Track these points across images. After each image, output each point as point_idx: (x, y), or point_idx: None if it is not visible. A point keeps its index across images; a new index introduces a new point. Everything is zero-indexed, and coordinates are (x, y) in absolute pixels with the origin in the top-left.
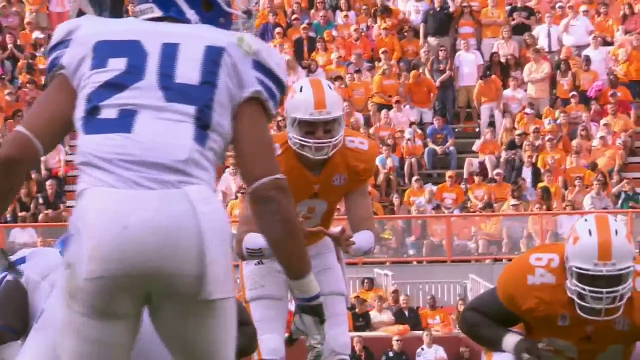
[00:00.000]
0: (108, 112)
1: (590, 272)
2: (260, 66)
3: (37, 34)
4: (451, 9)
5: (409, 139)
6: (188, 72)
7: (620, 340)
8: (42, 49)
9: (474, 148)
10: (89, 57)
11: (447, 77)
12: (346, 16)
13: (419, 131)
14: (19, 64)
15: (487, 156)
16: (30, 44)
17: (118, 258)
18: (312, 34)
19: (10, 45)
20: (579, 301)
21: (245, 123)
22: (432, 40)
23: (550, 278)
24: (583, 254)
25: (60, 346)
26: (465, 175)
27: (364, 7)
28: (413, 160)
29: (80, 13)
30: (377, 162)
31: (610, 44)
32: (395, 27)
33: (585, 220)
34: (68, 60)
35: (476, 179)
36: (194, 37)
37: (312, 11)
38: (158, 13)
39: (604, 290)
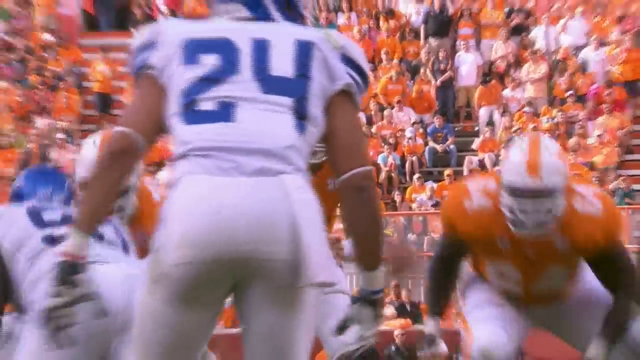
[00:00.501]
0: (207, 105)
1: (518, 186)
2: (348, 60)
3: (46, 36)
4: (451, 11)
5: (410, 138)
6: (282, 65)
7: (561, 260)
8: (50, 51)
9: (474, 146)
10: (177, 55)
11: (447, 77)
12: (348, 18)
13: (420, 130)
14: (30, 65)
15: (487, 154)
16: (40, 46)
17: (208, 243)
18: None
19: (20, 47)
20: (510, 216)
21: (338, 115)
22: (432, 41)
23: (486, 202)
24: (513, 169)
25: (138, 332)
26: (465, 173)
27: (365, 9)
28: (414, 158)
29: (86, 14)
30: (379, 160)
31: (607, 44)
32: (398, 29)
33: (521, 139)
34: (156, 60)
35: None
36: (282, 34)
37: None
38: (246, 13)
39: (531, 204)
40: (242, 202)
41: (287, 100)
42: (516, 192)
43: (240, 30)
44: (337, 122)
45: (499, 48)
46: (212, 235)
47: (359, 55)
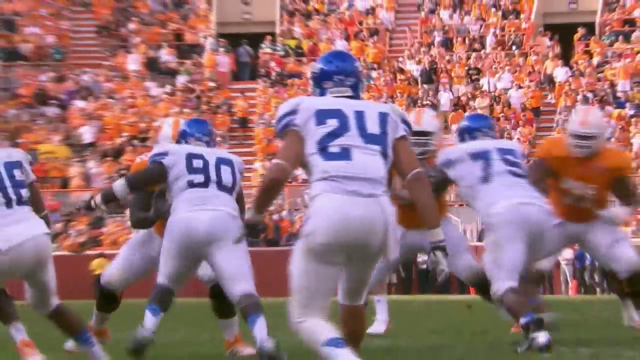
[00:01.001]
0: (333, 149)
1: (575, 131)
2: (404, 121)
3: (210, 84)
4: (436, 68)
5: None
6: (373, 126)
7: (598, 178)
8: (213, 92)
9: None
10: (312, 118)
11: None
12: (378, 73)
13: None
14: (202, 100)
15: None
16: (208, 89)
17: (340, 235)
18: None
19: (196, 90)
20: (573, 146)
21: (401, 148)
22: (425, 86)
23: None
24: (572, 122)
25: (297, 282)
26: None
27: (387, 68)
28: None
29: (232, 71)
30: None
31: (522, 87)
32: (406, 79)
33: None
34: (299, 121)
35: None
36: (369, 107)
37: None
38: (349, 93)
39: (584, 141)
40: (360, 213)
41: (378, 148)
42: (575, 136)
43: (347, 105)
44: (400, 152)
45: (462, 89)
46: (342, 231)
47: (407, 118)
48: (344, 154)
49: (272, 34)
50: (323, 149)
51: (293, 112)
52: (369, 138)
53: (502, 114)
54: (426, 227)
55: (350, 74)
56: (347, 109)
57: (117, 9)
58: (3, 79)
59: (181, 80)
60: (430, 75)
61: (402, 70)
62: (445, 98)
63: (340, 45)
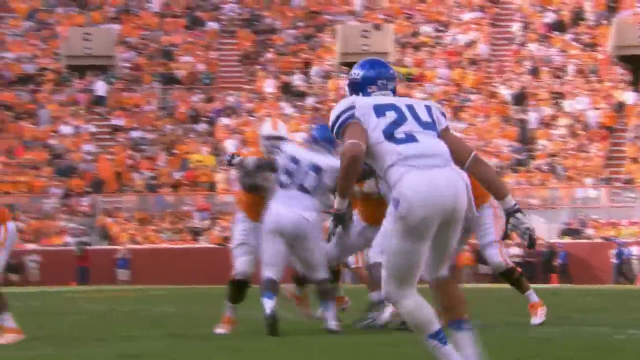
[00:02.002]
0: (400, 135)
1: None
2: (442, 113)
3: None
4: (525, 92)
5: None
6: (424, 116)
7: None
8: None
9: None
10: (371, 112)
11: None
12: (476, 97)
13: None
14: None
15: None
16: None
17: (436, 205)
18: None
19: None
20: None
21: (450, 135)
22: (516, 107)
23: None
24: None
25: (396, 265)
26: None
27: (484, 92)
28: None
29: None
30: None
31: (598, 109)
32: (500, 102)
33: None
34: (358, 114)
35: None
36: (416, 102)
37: None
38: (389, 94)
39: None
40: (445, 182)
41: (434, 132)
42: None
43: (397, 100)
44: (450, 137)
45: (546, 111)
46: (435, 201)
47: (443, 110)
48: (411, 138)
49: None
50: (390, 136)
51: (351, 107)
52: (424, 125)
53: (581, 132)
54: (497, 198)
55: (390, 79)
56: (399, 103)
57: (257, 40)
58: (162, 100)
59: (309, 101)
60: (520, 98)
61: (496, 94)
62: (532, 118)
63: (444, 73)
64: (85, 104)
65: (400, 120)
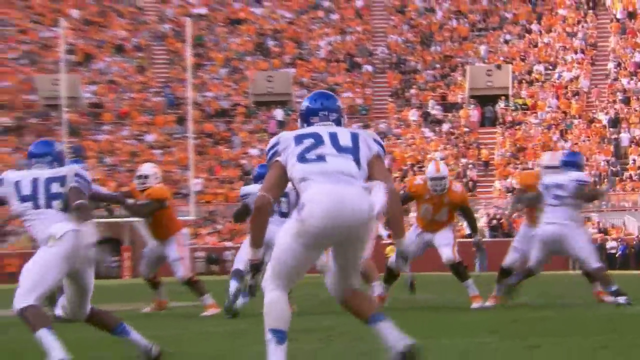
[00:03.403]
0: (311, 157)
1: (433, 176)
2: (376, 141)
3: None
4: (619, 117)
5: None
6: (345, 142)
7: (446, 205)
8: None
9: None
10: (292, 142)
11: None
12: (578, 122)
13: None
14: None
15: None
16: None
17: (335, 217)
18: None
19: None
20: (430, 188)
21: (376, 164)
22: (611, 129)
23: (421, 182)
24: (429, 170)
25: (280, 259)
26: None
27: (585, 118)
28: None
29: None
30: None
31: None
32: (599, 126)
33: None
34: (281, 148)
35: None
36: (342, 130)
37: None
38: (330, 124)
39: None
40: (350, 198)
41: (351, 156)
42: (434, 179)
43: (323, 128)
44: (375, 167)
45: (637, 132)
46: (336, 214)
47: (378, 139)
48: (320, 159)
49: (506, 96)
50: (302, 158)
51: (276, 143)
52: (341, 149)
53: None
54: (394, 237)
55: (333, 110)
56: (323, 131)
57: (403, 79)
58: None
59: (445, 127)
60: (615, 123)
61: (595, 120)
62: (625, 138)
63: (552, 103)
64: (269, 131)
65: (316, 145)
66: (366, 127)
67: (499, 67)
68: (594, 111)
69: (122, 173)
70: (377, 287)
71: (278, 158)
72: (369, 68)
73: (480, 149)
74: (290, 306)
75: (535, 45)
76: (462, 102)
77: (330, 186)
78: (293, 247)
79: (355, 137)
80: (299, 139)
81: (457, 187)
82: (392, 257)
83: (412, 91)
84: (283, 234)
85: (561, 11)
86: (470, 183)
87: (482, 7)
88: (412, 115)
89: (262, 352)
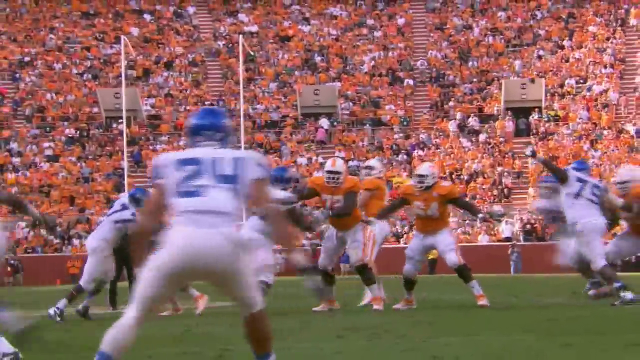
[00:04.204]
0: (188, 189)
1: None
2: (260, 165)
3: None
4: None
5: None
6: (226, 169)
7: (436, 199)
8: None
9: None
10: (172, 167)
11: None
12: (607, 132)
13: None
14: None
15: None
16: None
17: (187, 261)
18: None
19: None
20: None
21: (257, 189)
22: (638, 139)
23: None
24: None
25: (140, 284)
26: None
27: (614, 129)
28: None
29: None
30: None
31: None
32: (627, 136)
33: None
34: (162, 173)
35: None
36: (226, 154)
37: None
38: (216, 146)
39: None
40: (204, 244)
41: (229, 186)
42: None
43: (205, 153)
44: (257, 191)
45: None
46: (188, 258)
47: (264, 162)
48: (197, 192)
49: (540, 108)
50: (179, 190)
51: (158, 166)
52: (221, 179)
53: None
54: (288, 253)
55: (218, 129)
56: (205, 157)
57: (442, 92)
58: (372, 138)
59: (482, 137)
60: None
61: (623, 130)
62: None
63: (583, 114)
64: (315, 142)
65: (196, 174)
66: (407, 137)
67: (532, 81)
68: (623, 122)
69: None
70: (375, 290)
71: (160, 181)
72: (410, 82)
73: (515, 159)
74: (333, 303)
75: (567, 60)
76: (498, 114)
77: (191, 230)
78: (149, 279)
79: (237, 163)
80: (180, 164)
81: (446, 183)
82: (406, 266)
83: (451, 104)
84: (148, 266)
85: (591, 28)
86: (506, 190)
87: (517, 24)
88: (451, 126)
89: (312, 350)
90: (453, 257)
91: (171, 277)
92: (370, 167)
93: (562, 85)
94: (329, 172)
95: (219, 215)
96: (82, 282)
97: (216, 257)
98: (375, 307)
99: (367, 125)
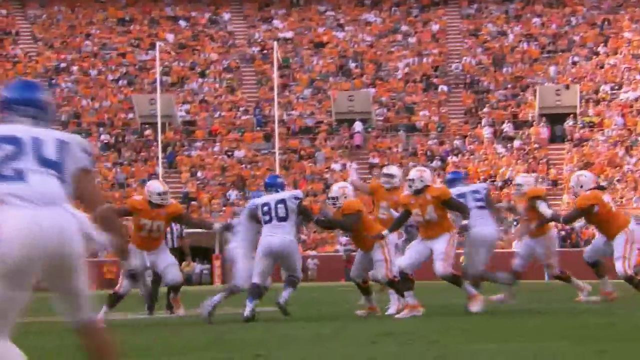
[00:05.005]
0: (8, 172)
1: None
2: (85, 151)
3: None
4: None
5: None
6: (49, 153)
7: (430, 202)
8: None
9: None
10: None
11: None
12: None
13: None
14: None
15: None
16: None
17: (35, 246)
18: None
19: None
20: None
21: (83, 180)
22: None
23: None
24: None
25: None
26: None
27: None
28: None
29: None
30: None
31: None
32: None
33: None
34: None
35: None
36: (48, 134)
37: None
38: (30, 122)
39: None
40: (51, 222)
41: (53, 172)
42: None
43: (25, 131)
44: (82, 183)
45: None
46: (37, 240)
47: (89, 147)
48: (18, 176)
49: (574, 114)
50: None
51: None
52: (45, 163)
53: None
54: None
55: (31, 103)
56: (25, 135)
57: (476, 98)
58: (406, 144)
59: (517, 143)
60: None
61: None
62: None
63: (618, 120)
64: (349, 148)
65: (15, 155)
66: (441, 143)
67: (567, 87)
68: None
69: (213, 187)
70: (410, 298)
71: None
72: (445, 88)
73: (550, 167)
74: (375, 309)
75: (602, 67)
76: (532, 120)
77: (28, 212)
78: (2, 294)
79: (61, 146)
80: None
81: (437, 185)
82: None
83: (485, 110)
84: None
85: (626, 34)
86: None
87: (552, 30)
88: (485, 132)
89: (346, 355)
90: (439, 267)
91: (17, 275)
92: (390, 175)
93: (597, 92)
94: (329, 197)
95: (52, 199)
96: None
97: (66, 240)
98: (412, 313)
99: (401, 131)
